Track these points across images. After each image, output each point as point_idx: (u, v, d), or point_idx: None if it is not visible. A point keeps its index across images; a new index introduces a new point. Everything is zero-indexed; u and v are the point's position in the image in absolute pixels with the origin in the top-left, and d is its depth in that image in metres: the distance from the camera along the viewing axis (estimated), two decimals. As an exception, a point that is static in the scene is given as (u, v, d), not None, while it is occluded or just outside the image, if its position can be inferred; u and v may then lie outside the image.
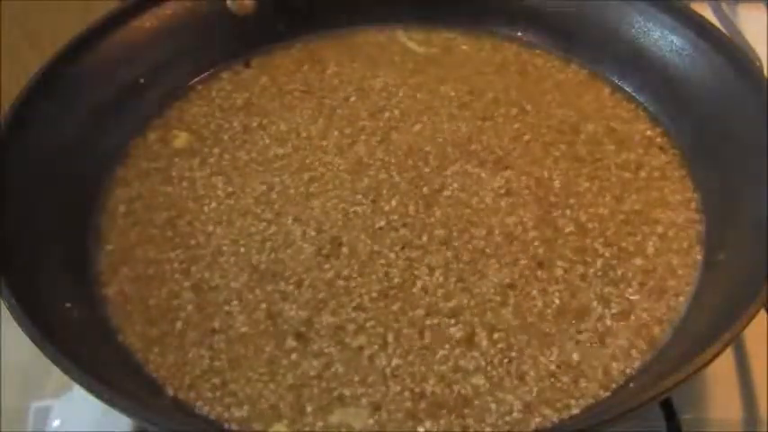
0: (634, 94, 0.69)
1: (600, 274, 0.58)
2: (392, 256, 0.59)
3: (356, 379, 0.53)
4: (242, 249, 0.60)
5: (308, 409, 0.52)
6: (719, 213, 0.60)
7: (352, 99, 0.70)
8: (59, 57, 0.65)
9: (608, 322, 0.55)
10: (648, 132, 0.67)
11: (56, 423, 0.57)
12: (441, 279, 0.57)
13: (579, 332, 0.55)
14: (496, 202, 0.62)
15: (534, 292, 0.57)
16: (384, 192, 0.63)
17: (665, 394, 0.48)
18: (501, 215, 0.61)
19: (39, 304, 0.52)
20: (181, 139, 0.68)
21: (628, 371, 0.53)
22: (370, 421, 0.51)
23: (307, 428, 0.51)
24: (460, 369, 0.53)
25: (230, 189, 0.64)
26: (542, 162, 0.64)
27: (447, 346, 0.54)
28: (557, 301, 0.56)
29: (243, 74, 0.73)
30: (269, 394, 0.52)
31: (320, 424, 0.51)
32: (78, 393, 0.57)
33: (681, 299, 0.56)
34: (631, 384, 0.52)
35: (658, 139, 0.66)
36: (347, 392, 0.52)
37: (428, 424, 0.51)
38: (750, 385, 0.57)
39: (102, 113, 0.66)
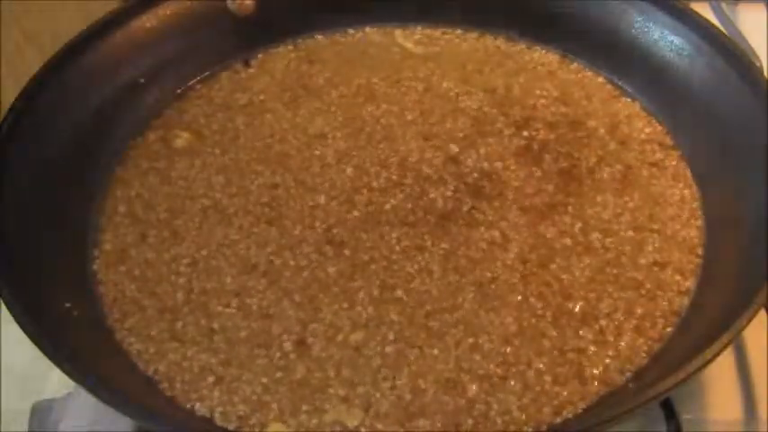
0: (634, 93, 0.69)
1: (600, 272, 0.58)
2: (393, 256, 0.59)
3: (353, 378, 0.53)
4: (241, 250, 0.60)
5: (304, 407, 0.52)
6: (719, 213, 0.60)
7: (352, 98, 0.70)
8: (59, 57, 0.65)
9: (607, 322, 0.55)
10: (649, 131, 0.67)
11: (55, 423, 0.57)
12: (441, 279, 0.57)
13: (579, 332, 0.55)
14: (497, 200, 0.62)
15: (534, 292, 0.57)
16: (385, 190, 0.63)
17: (665, 394, 0.48)
18: (501, 212, 0.61)
19: (39, 304, 0.52)
20: (181, 139, 0.68)
21: (628, 371, 0.53)
22: (366, 420, 0.51)
23: (302, 427, 0.51)
24: (460, 369, 0.53)
25: (230, 189, 0.64)
26: (543, 160, 0.64)
27: (446, 347, 0.54)
28: (557, 301, 0.56)
29: (243, 74, 0.73)
30: (265, 393, 0.52)
31: (315, 422, 0.51)
32: (78, 393, 0.57)
33: (681, 298, 0.56)
34: (631, 384, 0.52)
35: (659, 139, 0.66)
36: (342, 392, 0.52)
37: (424, 423, 0.51)
38: (750, 385, 0.57)
39: (103, 113, 0.66)
